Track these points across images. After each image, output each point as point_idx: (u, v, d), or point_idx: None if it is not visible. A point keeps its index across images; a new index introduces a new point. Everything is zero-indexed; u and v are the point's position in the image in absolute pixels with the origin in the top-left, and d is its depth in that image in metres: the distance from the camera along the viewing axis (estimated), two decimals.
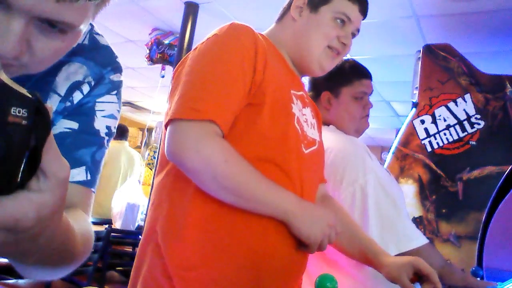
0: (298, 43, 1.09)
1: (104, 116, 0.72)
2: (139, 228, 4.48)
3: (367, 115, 1.51)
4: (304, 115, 1.07)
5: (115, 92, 0.74)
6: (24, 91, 0.33)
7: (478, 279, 1.38)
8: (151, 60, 4.48)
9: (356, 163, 1.33)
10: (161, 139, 1.04)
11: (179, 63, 1.02)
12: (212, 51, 0.96)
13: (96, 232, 3.23)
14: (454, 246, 2.46)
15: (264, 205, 0.91)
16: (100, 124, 0.71)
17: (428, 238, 2.48)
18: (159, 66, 4.61)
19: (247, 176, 0.89)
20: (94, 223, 4.14)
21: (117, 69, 0.75)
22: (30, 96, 0.33)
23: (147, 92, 6.84)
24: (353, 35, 1.13)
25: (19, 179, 0.35)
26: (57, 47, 0.53)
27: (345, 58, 1.30)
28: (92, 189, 0.71)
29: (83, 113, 0.70)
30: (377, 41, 3.94)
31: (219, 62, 0.94)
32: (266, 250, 0.93)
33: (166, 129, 0.91)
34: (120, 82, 0.76)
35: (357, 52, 3.81)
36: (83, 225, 0.62)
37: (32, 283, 2.89)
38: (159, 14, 4.13)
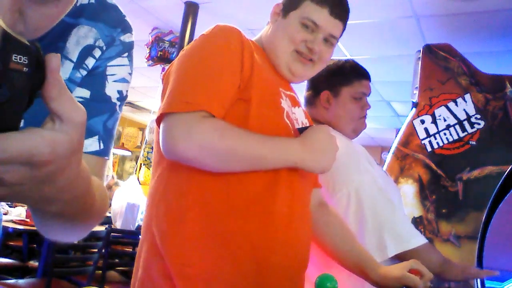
0: (270, 48, 1.10)
1: (115, 81, 0.71)
2: (139, 228, 4.48)
3: (365, 116, 1.52)
4: (294, 113, 1.07)
5: (126, 54, 0.73)
6: (24, 39, 0.34)
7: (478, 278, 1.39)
8: (152, 59, 4.48)
9: (350, 164, 1.33)
10: (155, 139, 1.04)
11: (169, 65, 1.04)
12: (200, 49, 0.98)
13: (96, 232, 3.23)
14: (454, 246, 2.46)
15: (273, 163, 0.93)
16: (111, 89, 0.70)
17: (428, 238, 2.49)
18: (159, 66, 4.62)
19: (247, 142, 0.90)
20: None
21: (127, 29, 0.73)
22: (29, 44, 0.34)
23: (147, 92, 6.85)
24: (328, 41, 1.09)
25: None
26: (51, 13, 0.52)
27: (344, 58, 1.30)
28: (106, 158, 0.71)
29: (94, 79, 0.69)
30: (377, 41, 3.94)
31: (207, 57, 0.95)
32: (267, 245, 0.93)
33: (158, 126, 0.92)
34: (131, 43, 0.74)
35: (357, 52, 3.81)
36: (98, 188, 0.62)
37: (32, 283, 2.89)
38: (159, 14, 4.13)
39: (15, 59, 0.33)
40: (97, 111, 0.69)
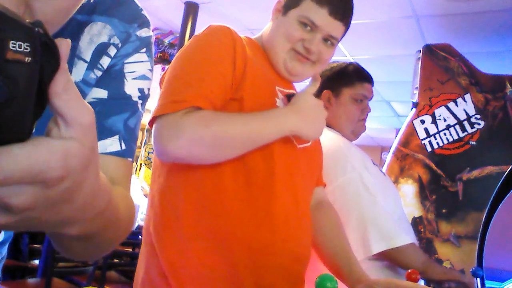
0: (268, 45, 1.09)
1: (134, 78, 0.66)
2: (139, 228, 4.48)
3: (365, 119, 1.53)
4: None
5: (144, 49, 0.68)
6: (24, 20, 0.26)
7: (478, 278, 1.39)
8: None
9: (337, 162, 1.34)
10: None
11: (166, 69, 1.03)
12: (191, 51, 0.98)
13: None
14: (454, 246, 2.46)
15: (269, 136, 0.93)
16: (131, 87, 0.66)
17: (428, 238, 2.50)
18: (159, 66, 4.62)
19: (235, 123, 0.89)
20: None
21: (144, 23, 0.68)
22: (31, 25, 0.26)
23: None
24: (328, 41, 1.06)
25: (33, 126, 0.30)
26: (61, 6, 0.47)
27: (344, 58, 1.30)
28: (130, 159, 0.66)
29: (111, 77, 0.64)
30: (377, 41, 3.94)
31: (197, 58, 0.95)
32: (265, 247, 0.93)
33: (151, 128, 0.91)
34: (149, 37, 0.69)
35: (357, 52, 3.81)
36: (123, 199, 0.56)
37: (32, 283, 2.89)
38: (159, 14, 4.13)
39: (13, 46, 0.26)
40: (117, 109, 0.64)
